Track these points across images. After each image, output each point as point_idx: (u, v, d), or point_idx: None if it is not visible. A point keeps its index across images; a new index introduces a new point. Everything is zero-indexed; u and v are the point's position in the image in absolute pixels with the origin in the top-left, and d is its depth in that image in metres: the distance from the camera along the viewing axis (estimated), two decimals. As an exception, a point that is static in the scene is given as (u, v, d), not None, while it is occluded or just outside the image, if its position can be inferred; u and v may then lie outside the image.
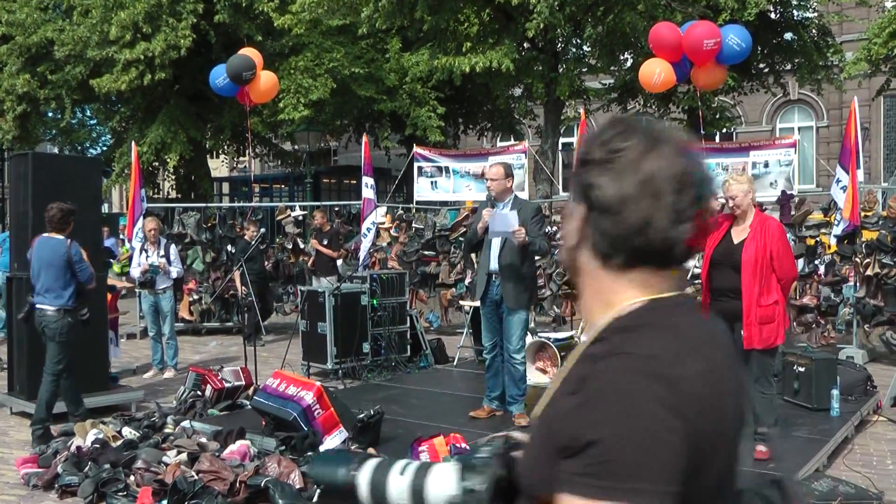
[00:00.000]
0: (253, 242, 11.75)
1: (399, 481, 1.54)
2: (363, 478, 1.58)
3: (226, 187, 33.35)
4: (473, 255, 10.12)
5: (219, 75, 12.43)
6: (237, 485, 5.19)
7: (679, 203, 1.36)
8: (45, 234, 7.52)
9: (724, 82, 12.87)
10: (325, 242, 13.04)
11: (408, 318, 10.70)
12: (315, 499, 5.08)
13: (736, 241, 6.03)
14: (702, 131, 14.19)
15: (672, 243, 1.37)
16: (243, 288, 11.88)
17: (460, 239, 13.74)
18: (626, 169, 1.38)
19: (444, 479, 1.52)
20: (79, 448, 6.30)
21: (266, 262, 12.68)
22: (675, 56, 10.63)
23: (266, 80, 12.69)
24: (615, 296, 1.41)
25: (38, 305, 7.40)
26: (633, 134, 1.41)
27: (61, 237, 7.47)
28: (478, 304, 7.80)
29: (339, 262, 13.23)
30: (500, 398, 7.41)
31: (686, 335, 1.35)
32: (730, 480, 1.40)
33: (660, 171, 1.37)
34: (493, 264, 7.14)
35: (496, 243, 7.11)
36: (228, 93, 12.76)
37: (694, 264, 11.54)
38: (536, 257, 7.75)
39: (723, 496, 1.36)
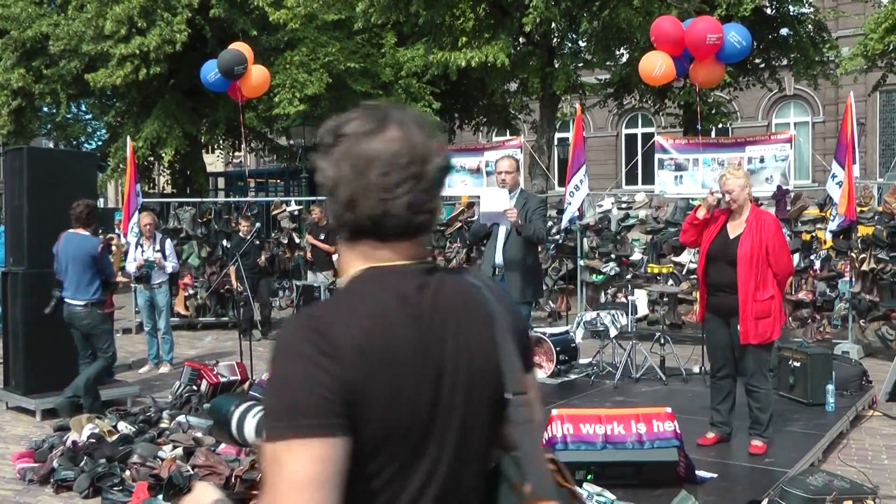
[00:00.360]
0: (248, 238, 11.74)
1: (251, 421, 1.87)
2: (235, 415, 1.90)
3: (221, 182, 33.29)
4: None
5: (210, 71, 12.39)
6: (233, 479, 5.19)
7: (386, 182, 1.50)
8: (72, 230, 7.77)
9: (721, 80, 12.87)
10: (322, 237, 13.04)
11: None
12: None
13: (732, 236, 6.03)
14: (698, 126, 14.19)
15: (379, 219, 1.51)
16: (238, 284, 11.87)
17: (456, 233, 13.74)
18: (343, 152, 1.54)
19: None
20: (74, 443, 6.30)
21: (261, 258, 12.63)
22: (676, 50, 10.62)
23: (257, 74, 12.66)
24: (347, 265, 1.60)
25: (66, 300, 7.65)
26: (361, 119, 1.57)
27: (87, 233, 7.78)
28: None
29: (335, 256, 13.23)
30: None
31: (369, 298, 1.51)
32: (445, 436, 1.52)
33: (371, 152, 1.51)
34: (499, 258, 7.15)
35: (501, 237, 7.11)
36: (220, 88, 12.72)
37: (690, 259, 11.58)
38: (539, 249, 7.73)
39: (427, 447, 1.50)
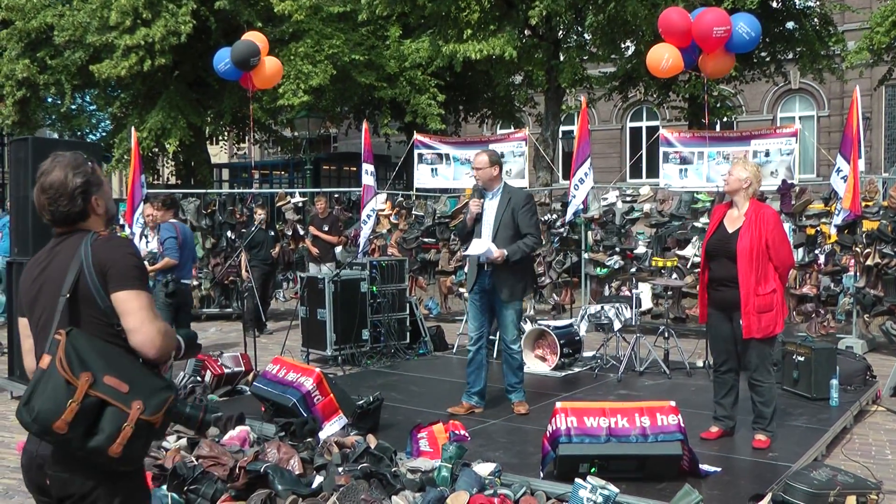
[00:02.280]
0: (254, 227, 11.75)
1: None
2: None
3: (225, 173, 33.30)
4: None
5: (222, 59, 12.30)
6: (237, 470, 5.20)
7: None
8: (177, 221, 9.17)
9: (730, 71, 12.80)
10: (326, 228, 13.04)
11: (407, 305, 10.70)
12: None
13: (730, 231, 6.02)
14: (704, 120, 14.16)
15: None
16: (246, 273, 11.90)
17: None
18: None
19: None
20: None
21: (275, 249, 12.65)
22: (683, 42, 10.55)
23: (271, 65, 12.62)
24: None
25: (184, 281, 8.96)
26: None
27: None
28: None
29: (339, 248, 13.24)
30: (480, 394, 7.23)
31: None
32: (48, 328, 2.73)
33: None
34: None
35: (487, 233, 6.95)
36: (232, 77, 12.64)
37: (694, 252, 11.57)
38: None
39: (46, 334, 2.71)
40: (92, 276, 2.71)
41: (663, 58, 10.71)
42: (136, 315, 2.69)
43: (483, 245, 6.84)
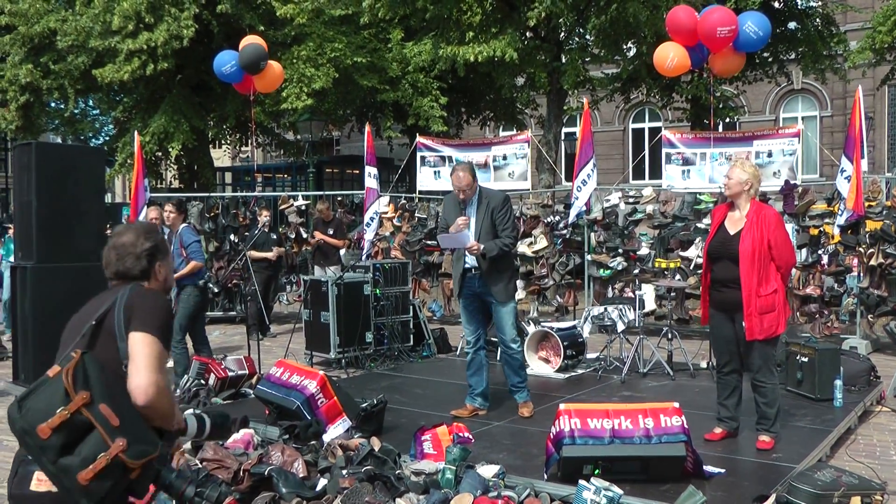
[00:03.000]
0: (258, 230, 11.76)
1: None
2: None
3: (228, 177, 33.35)
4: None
5: (226, 62, 12.25)
6: (241, 473, 5.21)
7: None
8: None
9: (740, 69, 12.74)
10: (330, 232, 13.04)
11: (410, 308, 10.70)
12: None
13: (732, 233, 6.02)
14: (708, 120, 14.16)
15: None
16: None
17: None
18: None
19: None
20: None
21: (272, 252, 12.66)
22: (690, 41, 10.50)
23: (273, 70, 12.62)
24: None
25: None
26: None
27: None
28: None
29: (342, 251, 13.25)
30: (483, 395, 7.23)
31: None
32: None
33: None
34: (471, 260, 6.94)
35: (470, 239, 6.87)
36: (234, 80, 12.61)
37: (697, 253, 11.56)
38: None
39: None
40: (119, 312, 2.83)
41: (668, 57, 10.67)
42: (142, 359, 2.74)
43: (459, 235, 6.82)
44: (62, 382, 2.58)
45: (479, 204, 6.96)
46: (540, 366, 9.18)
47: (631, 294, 11.30)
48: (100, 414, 2.57)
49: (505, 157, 13.69)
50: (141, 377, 2.71)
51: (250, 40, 12.46)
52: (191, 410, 3.28)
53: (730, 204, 6.18)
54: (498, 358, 8.28)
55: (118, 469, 2.58)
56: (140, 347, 2.75)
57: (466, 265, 6.98)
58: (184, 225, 9.23)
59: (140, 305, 2.85)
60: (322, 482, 5.20)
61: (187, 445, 5.85)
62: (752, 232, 5.87)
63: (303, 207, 15.19)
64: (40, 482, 2.69)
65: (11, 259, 10.47)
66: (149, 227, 3.15)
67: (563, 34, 18.29)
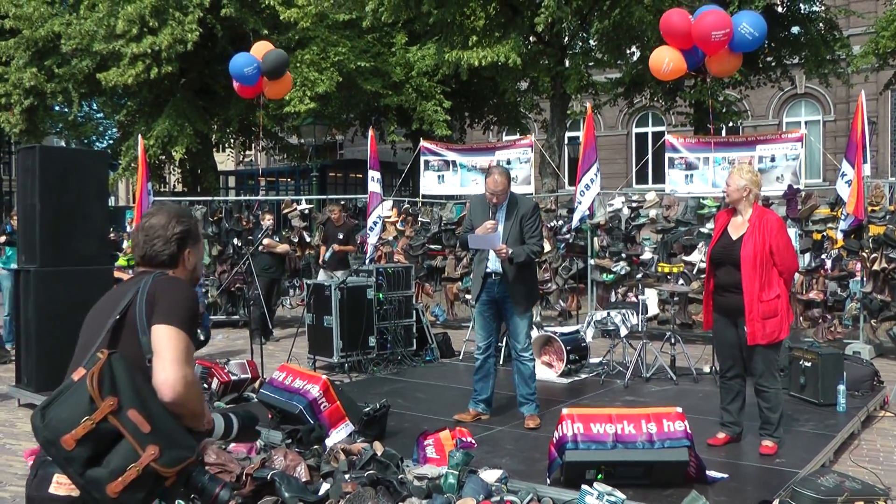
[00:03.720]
0: (261, 233, 11.77)
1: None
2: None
3: (232, 181, 33.39)
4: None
5: (247, 64, 12.13)
6: (243, 477, 5.21)
7: None
8: None
9: (738, 69, 12.72)
10: (341, 237, 12.96)
11: (414, 312, 10.70)
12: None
13: (734, 238, 6.02)
14: (709, 125, 14.15)
15: None
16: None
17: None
18: None
19: None
20: (86, 440, 6.31)
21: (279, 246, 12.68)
22: (685, 44, 10.47)
23: (287, 77, 12.60)
24: None
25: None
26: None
27: None
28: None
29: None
30: (486, 402, 7.20)
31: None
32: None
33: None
34: (494, 265, 6.90)
35: (500, 240, 6.83)
36: (250, 83, 12.48)
37: (700, 258, 11.56)
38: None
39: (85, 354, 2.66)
40: (142, 304, 2.69)
41: (664, 61, 10.66)
42: (168, 352, 2.61)
43: (489, 236, 6.78)
44: (87, 388, 2.44)
45: (510, 210, 6.91)
46: (543, 370, 9.17)
47: (634, 298, 11.28)
48: (129, 420, 2.44)
49: (508, 162, 13.69)
50: (168, 372, 2.56)
51: (265, 47, 12.44)
52: (218, 410, 3.16)
53: (733, 209, 6.19)
54: (501, 362, 8.28)
55: (151, 478, 2.45)
56: (165, 341, 2.61)
57: (488, 269, 6.94)
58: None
59: (164, 296, 2.71)
60: (325, 487, 5.19)
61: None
62: (753, 237, 5.87)
63: (306, 211, 15.20)
64: (60, 485, 2.55)
65: (13, 266, 10.45)
66: (182, 211, 3.00)
67: (566, 39, 18.30)
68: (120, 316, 2.71)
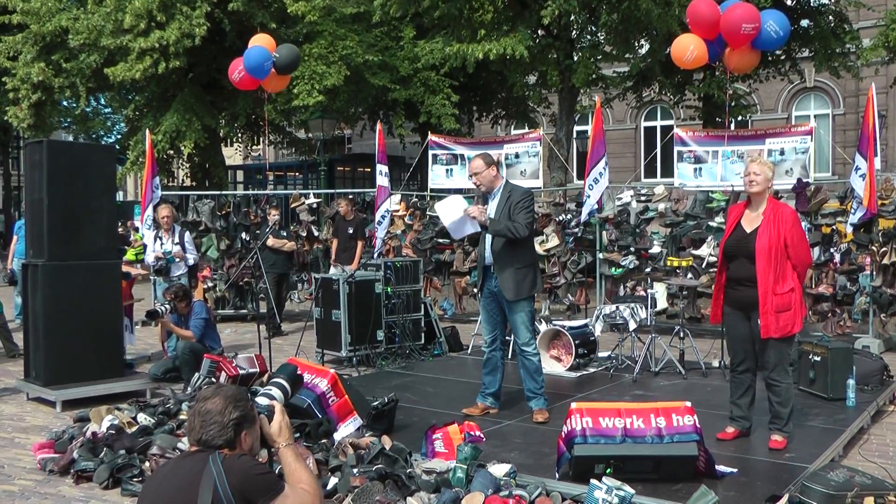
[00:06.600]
0: (268, 229, 11.77)
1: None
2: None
3: (240, 175, 33.43)
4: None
5: (264, 59, 12.09)
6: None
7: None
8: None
9: (754, 67, 12.63)
10: (351, 231, 12.95)
11: (422, 306, 10.70)
12: None
13: (748, 231, 5.98)
14: (720, 119, 14.08)
15: None
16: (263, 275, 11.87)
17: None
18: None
19: None
20: (94, 434, 6.33)
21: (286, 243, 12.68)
22: (710, 34, 10.37)
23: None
24: None
25: None
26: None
27: None
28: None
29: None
30: (495, 396, 7.18)
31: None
32: None
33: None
34: (488, 257, 6.90)
35: (489, 235, 6.87)
36: (261, 76, 12.45)
37: (709, 252, 11.52)
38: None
39: None
40: (227, 494, 2.77)
41: (688, 49, 10.56)
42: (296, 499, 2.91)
43: (453, 205, 6.78)
44: None
45: (501, 196, 6.90)
46: (552, 364, 9.16)
47: (643, 292, 11.26)
48: None
49: (517, 156, 13.66)
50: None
51: (265, 39, 12.43)
52: (271, 385, 3.46)
53: (746, 202, 6.14)
54: (509, 356, 8.27)
55: None
56: (293, 500, 2.91)
57: (486, 262, 6.94)
58: (198, 300, 9.78)
59: (248, 485, 2.83)
60: (333, 481, 5.19)
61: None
62: (768, 229, 5.83)
63: (314, 205, 15.20)
64: None
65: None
66: (238, 395, 3.02)
67: (574, 32, 18.25)
68: None
